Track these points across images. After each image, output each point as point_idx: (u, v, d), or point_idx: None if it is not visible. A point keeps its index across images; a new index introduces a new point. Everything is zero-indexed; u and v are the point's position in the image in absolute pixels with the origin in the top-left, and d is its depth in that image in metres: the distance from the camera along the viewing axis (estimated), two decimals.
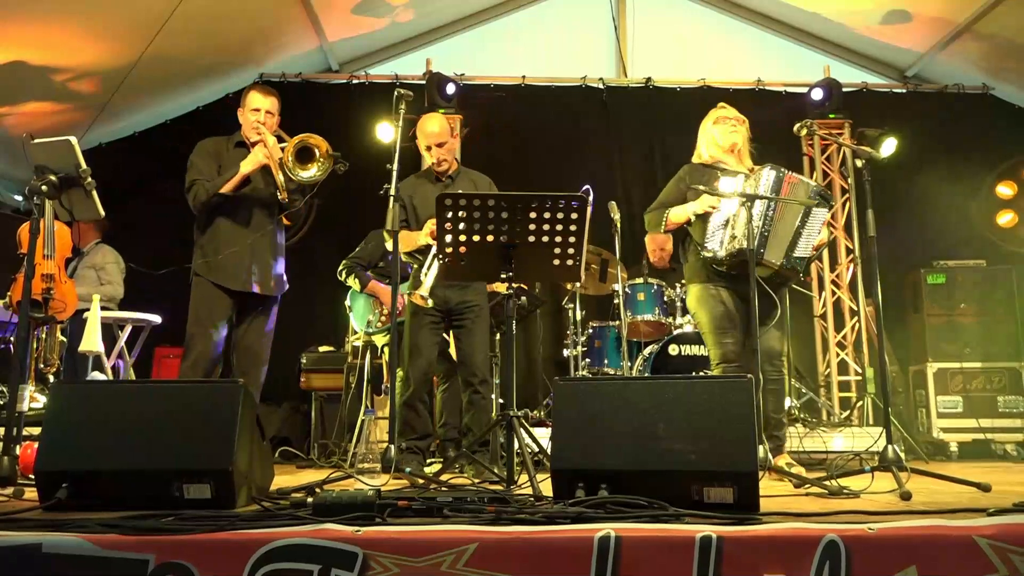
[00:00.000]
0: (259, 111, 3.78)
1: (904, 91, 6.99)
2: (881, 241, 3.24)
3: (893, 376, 5.95)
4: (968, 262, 5.91)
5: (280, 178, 3.63)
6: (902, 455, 3.06)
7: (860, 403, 5.82)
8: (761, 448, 2.99)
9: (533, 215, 2.93)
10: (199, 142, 3.88)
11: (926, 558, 1.69)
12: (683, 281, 5.36)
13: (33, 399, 3.96)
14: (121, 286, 5.54)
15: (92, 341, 4.58)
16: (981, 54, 6.46)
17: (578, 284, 5.18)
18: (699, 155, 3.86)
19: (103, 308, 4.87)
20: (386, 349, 4.98)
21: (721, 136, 3.78)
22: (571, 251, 3.02)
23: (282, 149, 3.67)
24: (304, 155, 3.62)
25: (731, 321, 3.59)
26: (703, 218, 3.64)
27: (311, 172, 3.63)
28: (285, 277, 3.92)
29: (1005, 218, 6.70)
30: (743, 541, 1.70)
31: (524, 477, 2.86)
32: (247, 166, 3.66)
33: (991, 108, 6.89)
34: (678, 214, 3.73)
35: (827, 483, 2.70)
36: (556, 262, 3.04)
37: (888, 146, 6.40)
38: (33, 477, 2.30)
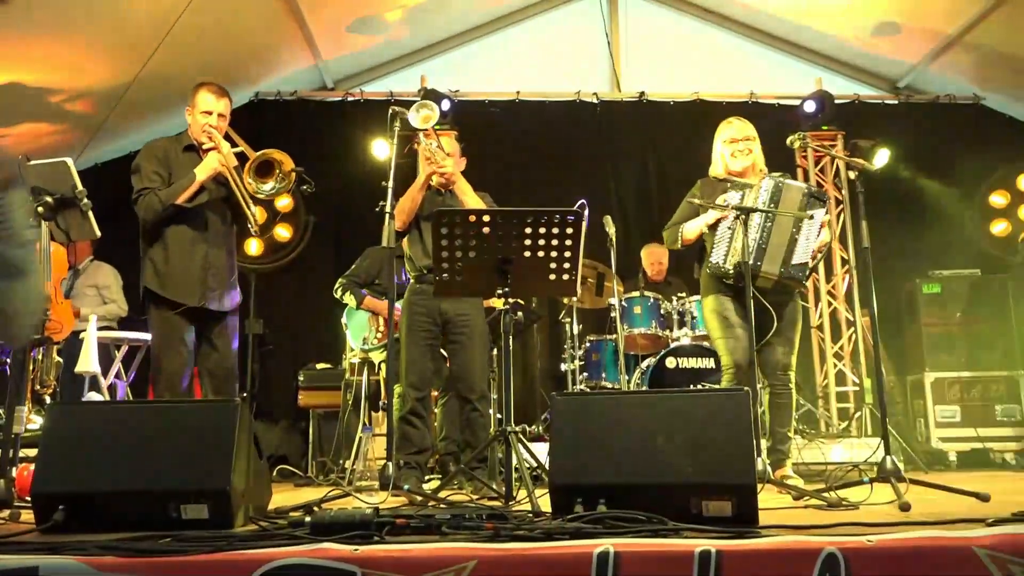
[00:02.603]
0: (211, 114, 3.52)
1: (896, 102, 7.04)
2: (876, 252, 3.24)
3: (891, 386, 5.95)
4: (963, 271, 5.91)
5: (242, 190, 3.45)
6: (901, 465, 3.06)
7: (858, 414, 5.82)
8: (759, 461, 2.99)
9: (528, 230, 2.94)
10: (145, 144, 3.61)
11: (925, 569, 1.69)
12: (679, 294, 5.42)
13: (29, 420, 3.94)
14: (125, 303, 5.54)
15: (88, 361, 4.56)
16: (971, 65, 6.51)
17: (574, 298, 5.19)
18: (713, 170, 3.89)
19: (100, 328, 4.86)
20: (383, 366, 4.97)
21: (732, 161, 3.78)
22: (567, 265, 3.03)
23: (239, 156, 3.52)
24: (264, 169, 3.47)
25: (739, 331, 3.63)
26: (714, 231, 3.68)
27: (267, 187, 3.47)
28: (239, 288, 3.70)
29: (999, 227, 6.73)
30: (742, 555, 1.70)
31: (523, 493, 2.86)
32: (202, 173, 3.43)
33: (983, 118, 6.94)
34: (691, 229, 3.81)
35: (826, 495, 2.70)
36: (552, 277, 3.05)
37: (881, 157, 6.42)
38: (29, 499, 2.29)
